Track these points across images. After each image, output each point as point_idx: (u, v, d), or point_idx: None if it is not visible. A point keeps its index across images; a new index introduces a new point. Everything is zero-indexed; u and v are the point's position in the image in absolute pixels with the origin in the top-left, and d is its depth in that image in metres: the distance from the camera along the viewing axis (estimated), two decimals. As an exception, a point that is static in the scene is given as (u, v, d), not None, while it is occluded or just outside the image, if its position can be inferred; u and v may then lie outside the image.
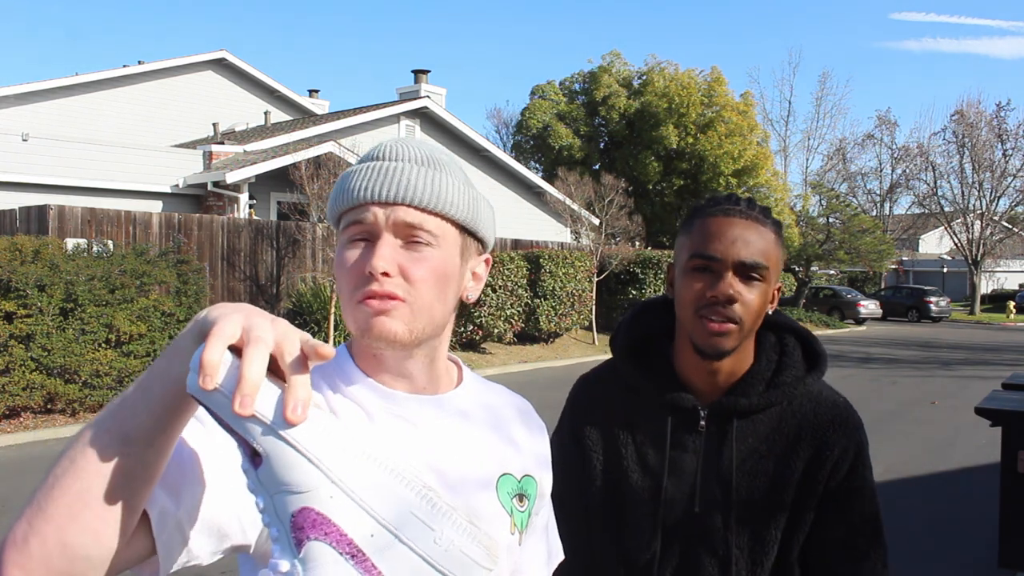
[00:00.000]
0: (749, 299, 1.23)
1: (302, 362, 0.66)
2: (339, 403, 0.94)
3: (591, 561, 1.37)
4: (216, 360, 0.63)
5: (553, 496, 1.15)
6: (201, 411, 0.78)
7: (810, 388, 1.32)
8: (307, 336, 0.69)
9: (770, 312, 1.31)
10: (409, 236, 0.93)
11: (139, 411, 0.70)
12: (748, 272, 1.22)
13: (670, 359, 1.36)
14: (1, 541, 0.69)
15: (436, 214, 0.94)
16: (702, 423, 1.31)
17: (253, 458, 0.65)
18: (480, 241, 1.01)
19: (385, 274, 0.90)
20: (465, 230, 0.98)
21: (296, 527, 0.63)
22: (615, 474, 1.36)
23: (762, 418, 1.30)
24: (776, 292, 1.30)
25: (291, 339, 0.67)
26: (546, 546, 1.13)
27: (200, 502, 0.78)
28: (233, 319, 0.66)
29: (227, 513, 0.80)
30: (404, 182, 0.93)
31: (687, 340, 1.30)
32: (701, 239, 1.25)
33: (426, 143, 0.99)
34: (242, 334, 0.65)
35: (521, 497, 1.04)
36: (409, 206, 0.93)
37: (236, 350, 0.65)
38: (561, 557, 1.16)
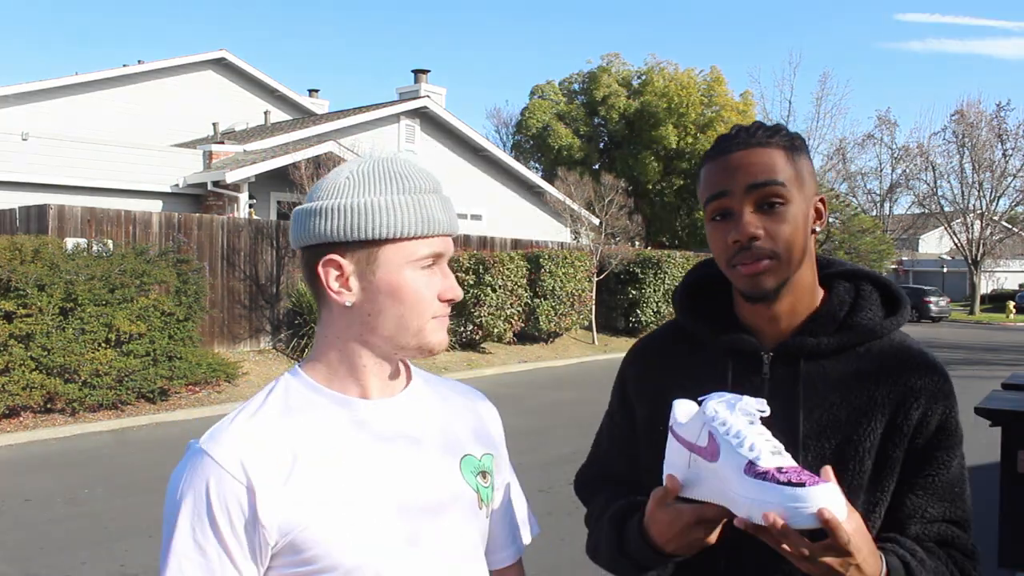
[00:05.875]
0: (775, 228, 1.12)
1: None
2: (304, 427, 1.03)
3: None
4: None
5: (607, 466, 1.25)
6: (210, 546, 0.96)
7: (891, 335, 1.19)
8: None
9: (818, 229, 1.19)
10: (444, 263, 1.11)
11: None
12: (764, 197, 1.12)
13: (729, 304, 1.25)
14: None
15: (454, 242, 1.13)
16: (765, 369, 1.19)
17: None
18: None
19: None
20: None
21: None
22: (665, 428, 1.24)
23: (834, 364, 1.17)
24: (817, 208, 1.19)
25: None
26: (514, 519, 1.24)
27: None
28: None
29: None
30: (455, 218, 1.10)
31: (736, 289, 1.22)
32: (708, 185, 1.18)
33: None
34: None
35: (484, 474, 1.15)
36: (453, 237, 1.10)
37: None
38: (536, 531, 1.27)
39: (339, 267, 1.02)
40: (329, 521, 0.98)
